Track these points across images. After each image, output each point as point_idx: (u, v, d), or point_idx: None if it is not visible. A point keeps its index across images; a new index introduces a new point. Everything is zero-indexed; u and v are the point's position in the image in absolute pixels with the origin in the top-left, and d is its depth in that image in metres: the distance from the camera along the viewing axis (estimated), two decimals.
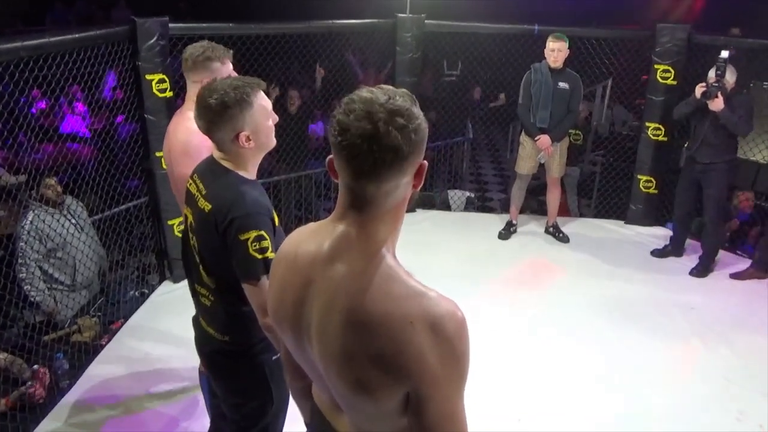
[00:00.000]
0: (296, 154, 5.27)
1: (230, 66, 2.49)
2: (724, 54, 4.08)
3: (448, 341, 1.08)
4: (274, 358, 1.92)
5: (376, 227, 1.16)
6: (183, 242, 2.06)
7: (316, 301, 1.18)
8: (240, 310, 1.86)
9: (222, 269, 1.84)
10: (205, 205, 1.82)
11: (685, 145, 4.56)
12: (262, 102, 1.85)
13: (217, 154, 1.88)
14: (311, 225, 1.30)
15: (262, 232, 1.75)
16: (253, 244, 1.74)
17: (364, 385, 1.11)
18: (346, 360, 1.12)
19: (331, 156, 1.16)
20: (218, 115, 1.78)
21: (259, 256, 1.74)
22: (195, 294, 2.02)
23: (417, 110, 1.13)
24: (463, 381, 1.12)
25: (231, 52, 2.49)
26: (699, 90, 4.15)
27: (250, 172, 1.89)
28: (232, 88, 1.78)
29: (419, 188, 1.20)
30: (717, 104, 4.08)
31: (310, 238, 1.24)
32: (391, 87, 1.15)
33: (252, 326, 1.84)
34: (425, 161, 1.17)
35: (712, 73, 4.15)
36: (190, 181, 1.93)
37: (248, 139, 1.81)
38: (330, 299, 1.15)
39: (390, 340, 1.08)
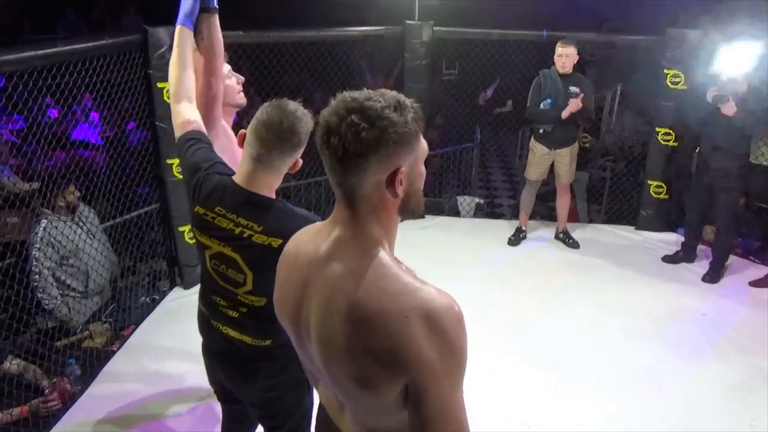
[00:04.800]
0: None
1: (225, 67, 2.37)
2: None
3: (445, 334, 1.10)
4: None
5: (369, 226, 1.18)
6: (204, 268, 1.99)
7: (313, 300, 1.21)
8: None
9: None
10: (272, 241, 1.77)
11: (697, 151, 4.52)
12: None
13: (242, 180, 1.84)
14: (315, 225, 1.33)
15: None
16: None
17: (364, 380, 1.13)
18: (345, 357, 1.14)
19: None
20: (283, 141, 1.79)
21: None
22: (217, 307, 1.96)
23: (395, 116, 1.11)
24: (461, 373, 1.13)
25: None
26: (711, 94, 4.12)
27: (273, 192, 1.89)
28: (305, 114, 1.80)
29: (402, 197, 1.17)
30: (729, 108, 4.03)
31: (311, 239, 1.27)
32: (390, 92, 1.15)
33: None
34: (402, 168, 1.14)
35: (724, 77, 4.11)
36: (213, 215, 1.86)
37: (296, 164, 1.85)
38: (327, 298, 1.17)
39: (387, 335, 1.09)
